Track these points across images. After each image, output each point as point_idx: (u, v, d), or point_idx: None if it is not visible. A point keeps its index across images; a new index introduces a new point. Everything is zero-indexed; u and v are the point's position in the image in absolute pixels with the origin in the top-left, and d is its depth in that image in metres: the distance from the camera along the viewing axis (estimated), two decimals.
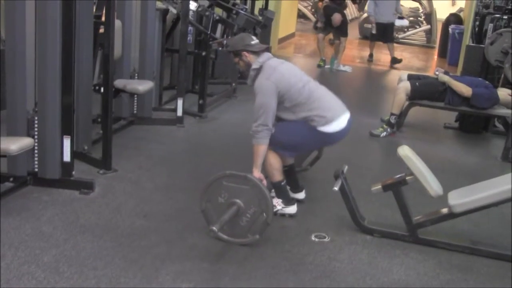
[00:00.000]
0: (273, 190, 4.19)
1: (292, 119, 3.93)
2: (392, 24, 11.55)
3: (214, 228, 3.41)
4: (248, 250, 3.57)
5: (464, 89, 6.16)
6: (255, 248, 3.60)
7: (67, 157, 4.22)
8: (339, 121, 3.92)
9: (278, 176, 4.04)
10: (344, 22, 10.46)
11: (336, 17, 10.27)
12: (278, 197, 4.09)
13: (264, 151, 3.87)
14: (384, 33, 11.41)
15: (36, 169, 4.24)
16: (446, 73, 6.52)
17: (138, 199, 4.23)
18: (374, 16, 11.34)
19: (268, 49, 4.09)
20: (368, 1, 12.05)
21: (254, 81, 3.96)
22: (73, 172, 4.29)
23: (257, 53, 3.99)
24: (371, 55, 12.13)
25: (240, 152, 5.14)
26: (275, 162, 3.99)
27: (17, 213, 3.79)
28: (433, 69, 11.58)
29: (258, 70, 3.94)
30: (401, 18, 12.08)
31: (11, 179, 4.13)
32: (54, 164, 4.20)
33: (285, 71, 3.97)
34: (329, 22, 10.39)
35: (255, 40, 4.05)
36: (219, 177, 3.60)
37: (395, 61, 11.51)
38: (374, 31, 11.58)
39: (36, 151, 4.20)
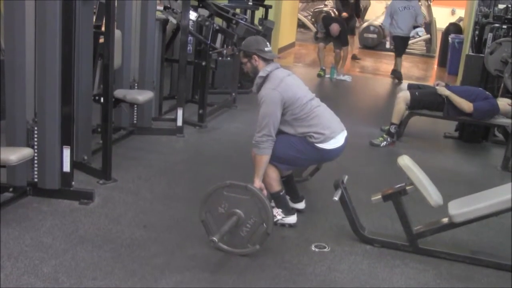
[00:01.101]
0: (272, 200, 4.19)
1: (291, 133, 3.93)
2: (407, 38, 11.04)
3: (214, 238, 3.40)
4: (248, 261, 3.57)
5: (466, 106, 6.14)
6: (255, 258, 3.59)
7: (66, 167, 4.22)
8: (337, 139, 3.95)
9: (276, 186, 4.03)
10: (343, 32, 10.48)
11: (334, 27, 10.30)
12: (278, 207, 4.08)
13: (267, 161, 3.87)
14: (397, 47, 10.96)
15: (36, 179, 4.23)
16: (446, 86, 6.51)
17: (137, 209, 4.22)
18: (389, 29, 10.98)
19: None
20: (385, 14, 11.43)
21: (259, 89, 3.96)
22: (72, 182, 4.28)
23: (267, 60, 3.98)
24: (395, 70, 11.19)
25: (240, 161, 5.15)
26: (272, 173, 3.98)
27: (16, 224, 3.79)
28: (433, 78, 11.64)
29: (265, 79, 3.94)
30: (415, 27, 11.48)
31: (11, 189, 4.13)
32: (53, 174, 4.20)
33: (292, 83, 3.97)
34: (328, 32, 10.43)
35: (268, 47, 4.03)
36: (219, 187, 3.59)
37: (396, 74, 11.02)
38: (388, 45, 11.31)
39: (35, 161, 4.20)
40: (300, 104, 3.88)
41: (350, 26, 12.32)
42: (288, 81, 3.95)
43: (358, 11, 12.84)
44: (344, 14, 11.66)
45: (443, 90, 6.30)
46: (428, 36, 15.34)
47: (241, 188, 3.56)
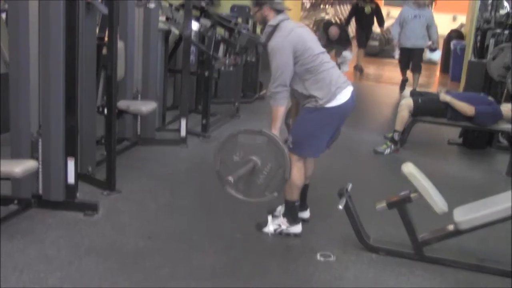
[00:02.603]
0: (278, 209, 4.18)
1: (303, 93, 3.87)
2: (420, 50, 10.14)
3: (230, 178, 3.35)
4: (254, 270, 3.56)
5: (468, 109, 6.15)
6: (261, 267, 3.59)
7: (71, 179, 4.22)
8: (343, 94, 3.88)
9: (296, 195, 4.00)
10: (343, 34, 10.39)
11: (332, 30, 10.27)
12: (284, 216, 4.07)
13: (283, 113, 3.82)
14: (409, 60, 10.13)
15: (40, 192, 4.24)
16: (448, 92, 6.51)
17: (142, 219, 4.22)
18: (398, 40, 10.12)
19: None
20: (394, 23, 10.44)
21: (269, 39, 3.88)
22: (77, 194, 4.29)
23: (277, 11, 3.93)
24: (403, 81, 10.53)
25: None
26: (298, 179, 3.93)
27: (21, 236, 3.79)
28: (436, 85, 11.62)
29: (275, 28, 3.87)
30: (433, 50, 10.60)
31: (16, 201, 4.14)
32: (58, 186, 4.21)
33: (303, 33, 3.94)
34: (329, 37, 10.40)
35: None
36: (233, 135, 3.54)
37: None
38: (397, 56, 10.35)
39: (40, 173, 4.20)
40: (311, 54, 3.84)
41: (366, 39, 12.34)
42: (299, 31, 3.91)
43: (380, 22, 12.41)
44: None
45: (444, 97, 6.30)
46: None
47: (256, 134, 3.50)
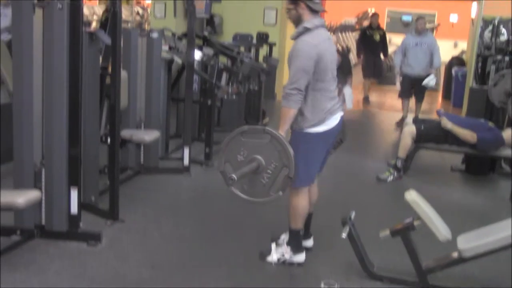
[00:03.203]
0: (282, 237, 4.17)
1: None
2: (420, 80, 9.46)
3: (233, 175, 3.34)
4: None
5: (469, 136, 6.16)
6: None
7: (74, 209, 4.22)
8: (332, 120, 3.88)
9: (300, 223, 4.00)
10: (345, 62, 10.37)
11: None
12: (288, 245, 4.05)
13: (293, 116, 3.75)
14: (412, 89, 9.71)
15: (43, 222, 4.23)
16: (446, 113, 6.52)
17: (145, 249, 4.21)
18: (400, 68, 9.62)
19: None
20: (396, 51, 10.03)
21: (298, 37, 3.80)
22: (80, 224, 4.28)
23: (314, 12, 3.84)
24: (402, 119, 9.71)
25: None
26: (303, 208, 3.93)
27: (24, 267, 3.78)
28: None
29: (308, 30, 3.79)
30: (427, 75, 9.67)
31: (18, 232, 4.13)
32: (61, 216, 4.20)
33: (331, 50, 3.90)
34: None
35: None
36: (237, 134, 3.53)
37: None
38: (398, 86, 9.89)
39: (43, 203, 4.20)
40: (326, 74, 3.80)
41: (377, 67, 12.16)
42: (329, 46, 3.87)
43: (385, 51, 12.22)
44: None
45: (446, 123, 6.31)
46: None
47: (260, 132, 3.49)
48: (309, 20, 3.80)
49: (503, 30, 10.09)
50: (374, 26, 12.06)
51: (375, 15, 12.51)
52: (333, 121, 3.89)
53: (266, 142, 3.48)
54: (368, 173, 6.54)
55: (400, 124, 9.46)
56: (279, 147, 3.46)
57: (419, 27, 9.46)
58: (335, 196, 5.49)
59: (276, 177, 3.49)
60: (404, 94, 9.83)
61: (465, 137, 6.18)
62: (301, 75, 3.70)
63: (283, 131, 3.71)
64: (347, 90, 9.91)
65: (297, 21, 3.85)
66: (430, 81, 9.29)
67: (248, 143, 3.50)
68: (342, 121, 3.98)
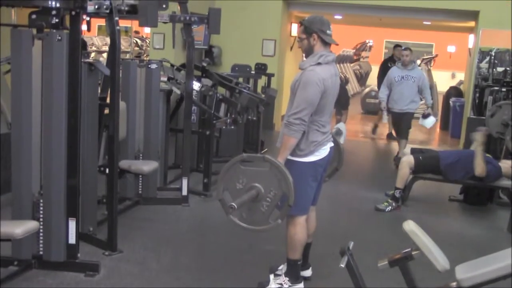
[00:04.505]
0: (280, 267, 4.16)
1: None
2: (409, 115, 8.73)
3: (233, 204, 3.33)
4: None
5: (481, 169, 6.17)
6: None
7: (72, 239, 4.21)
8: (321, 151, 3.91)
9: (298, 254, 3.99)
10: (343, 94, 10.40)
11: None
12: (286, 275, 4.04)
13: (293, 144, 3.76)
14: (396, 125, 9.17)
15: (41, 252, 4.22)
16: (443, 151, 6.55)
17: (144, 280, 4.20)
18: (385, 103, 8.83)
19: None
20: (382, 85, 9.16)
21: (307, 68, 3.83)
22: (78, 254, 4.27)
23: (325, 44, 3.88)
24: (397, 156, 8.82)
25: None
26: (302, 238, 3.93)
27: None
28: (436, 141, 11.64)
29: (318, 63, 3.82)
30: (425, 116, 9.02)
31: (16, 262, 4.11)
32: (59, 246, 4.19)
33: (336, 85, 3.95)
34: None
35: (330, 32, 3.90)
36: (236, 161, 3.52)
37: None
38: (385, 120, 9.45)
39: (41, 234, 4.20)
40: (326, 108, 3.85)
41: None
42: (336, 81, 3.91)
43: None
44: None
45: (478, 140, 6.43)
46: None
47: (259, 160, 3.49)
48: (321, 52, 3.85)
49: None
50: (396, 58, 10.80)
51: (397, 46, 11.49)
52: (322, 152, 3.93)
53: (265, 170, 3.49)
54: (366, 203, 6.53)
55: (397, 161, 8.12)
56: (278, 175, 3.46)
57: (406, 59, 8.69)
58: (333, 226, 5.49)
59: (275, 205, 3.49)
60: (397, 132, 9.22)
61: (478, 167, 6.18)
62: (306, 106, 3.73)
63: (282, 159, 3.72)
64: (341, 125, 9.84)
65: (308, 51, 3.91)
66: (430, 123, 8.95)
67: (247, 171, 3.51)
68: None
